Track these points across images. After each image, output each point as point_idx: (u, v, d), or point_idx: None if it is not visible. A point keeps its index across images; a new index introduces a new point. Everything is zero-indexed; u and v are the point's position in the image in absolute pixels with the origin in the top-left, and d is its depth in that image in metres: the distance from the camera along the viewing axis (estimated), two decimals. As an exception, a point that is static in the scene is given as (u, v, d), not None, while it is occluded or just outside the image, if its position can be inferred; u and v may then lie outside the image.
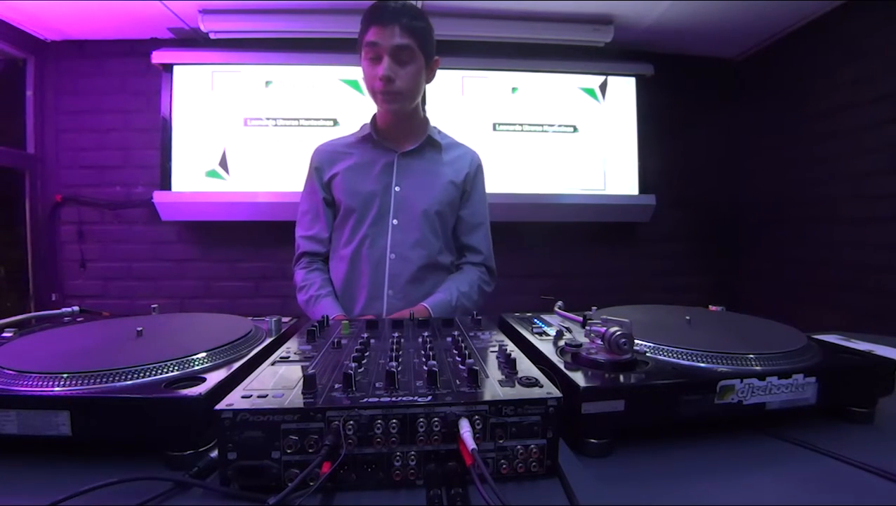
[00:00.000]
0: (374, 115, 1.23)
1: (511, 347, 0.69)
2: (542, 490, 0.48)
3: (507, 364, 0.59)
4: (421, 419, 0.48)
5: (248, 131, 2.50)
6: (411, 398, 0.49)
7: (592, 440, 0.56)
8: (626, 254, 2.82)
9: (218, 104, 2.48)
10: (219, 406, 0.47)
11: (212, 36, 2.36)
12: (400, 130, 1.21)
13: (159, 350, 0.64)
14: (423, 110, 1.27)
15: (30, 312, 0.92)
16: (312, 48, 2.46)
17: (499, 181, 2.51)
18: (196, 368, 0.61)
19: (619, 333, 0.61)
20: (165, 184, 2.44)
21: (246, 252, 2.60)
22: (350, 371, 0.52)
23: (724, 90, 2.84)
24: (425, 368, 0.54)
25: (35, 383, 0.54)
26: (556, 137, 2.63)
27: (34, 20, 2.31)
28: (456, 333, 0.75)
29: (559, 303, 0.99)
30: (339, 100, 2.51)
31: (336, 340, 0.71)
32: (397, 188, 1.19)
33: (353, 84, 2.49)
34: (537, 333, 0.80)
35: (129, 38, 2.50)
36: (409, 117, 1.20)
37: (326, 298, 1.17)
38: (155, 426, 0.52)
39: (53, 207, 2.52)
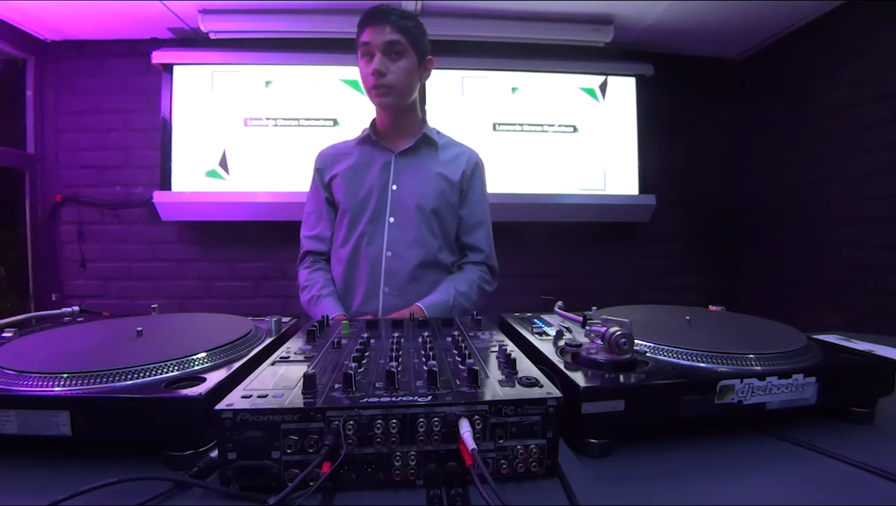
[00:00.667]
0: (374, 117, 1.26)
1: (511, 347, 0.69)
2: (542, 490, 0.48)
3: (507, 364, 0.59)
4: (421, 419, 0.48)
5: (248, 131, 2.50)
6: (411, 398, 0.49)
7: (592, 440, 0.56)
8: (626, 254, 2.82)
9: (218, 104, 2.48)
10: (219, 406, 0.47)
11: (212, 36, 2.36)
12: (397, 130, 1.23)
13: (159, 350, 0.64)
14: (423, 111, 1.29)
15: (30, 312, 0.92)
16: (312, 48, 2.46)
17: (499, 181, 2.51)
18: (196, 368, 0.61)
19: (619, 333, 0.61)
20: (165, 184, 2.44)
21: (246, 252, 2.60)
22: (350, 371, 0.52)
23: (724, 90, 2.84)
24: (425, 368, 0.54)
25: (35, 382, 0.54)
26: (556, 137, 2.63)
27: (34, 20, 2.31)
28: (456, 333, 0.75)
29: (559, 303, 0.99)
30: (339, 100, 2.51)
31: (336, 340, 0.71)
32: (394, 187, 1.21)
33: (353, 84, 2.49)
34: (537, 333, 0.80)
35: (129, 38, 2.50)
36: (405, 116, 1.22)
37: (328, 298, 1.17)
38: (155, 426, 0.52)
39: (53, 207, 2.52)
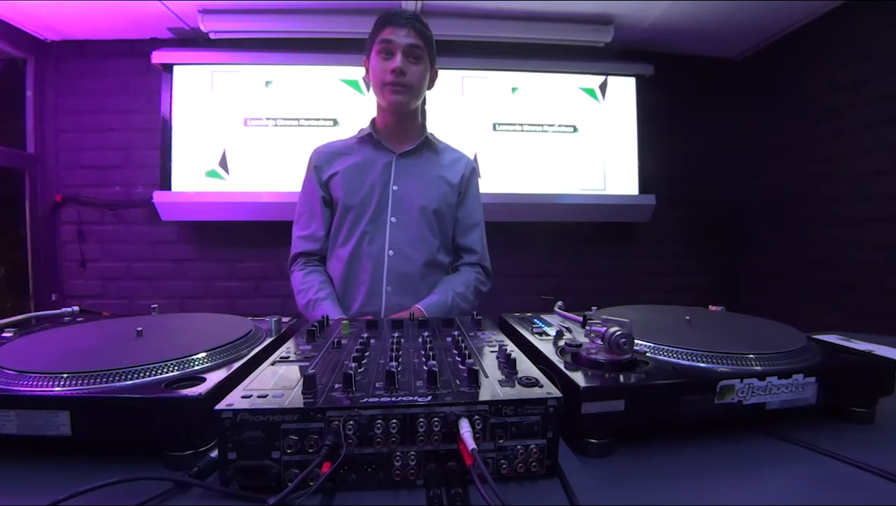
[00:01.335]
0: (374, 117, 1.27)
1: (511, 347, 0.69)
2: (542, 490, 0.48)
3: (507, 364, 0.59)
4: (421, 419, 0.48)
5: (248, 131, 2.50)
6: (411, 398, 0.49)
7: (592, 440, 0.56)
8: (626, 254, 2.82)
9: (218, 104, 2.48)
10: (219, 406, 0.47)
11: (212, 36, 2.36)
12: (399, 131, 1.24)
13: (159, 350, 0.64)
14: (422, 117, 1.31)
15: (30, 312, 0.92)
16: (312, 48, 2.46)
17: (499, 181, 2.50)
18: (196, 368, 0.61)
19: (619, 333, 0.61)
20: (165, 184, 2.44)
21: (246, 252, 2.60)
22: (350, 371, 0.52)
23: (724, 90, 2.84)
24: (425, 368, 0.54)
25: (35, 382, 0.54)
26: (556, 137, 2.63)
27: (34, 20, 2.31)
28: (456, 333, 0.75)
29: (559, 303, 0.99)
30: (339, 100, 2.51)
31: (336, 340, 0.71)
32: (395, 187, 1.22)
33: (353, 84, 2.49)
34: (537, 333, 0.80)
35: (129, 38, 2.50)
36: (410, 118, 1.24)
37: (325, 300, 1.17)
38: (155, 426, 0.52)
39: (53, 207, 2.52)
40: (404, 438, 0.48)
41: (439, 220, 1.23)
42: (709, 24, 2.39)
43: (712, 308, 0.95)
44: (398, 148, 1.24)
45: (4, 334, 0.79)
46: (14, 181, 2.46)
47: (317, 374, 0.52)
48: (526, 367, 0.60)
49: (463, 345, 0.66)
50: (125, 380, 0.56)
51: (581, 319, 0.84)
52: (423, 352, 0.65)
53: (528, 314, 0.97)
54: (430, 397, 0.49)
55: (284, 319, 0.89)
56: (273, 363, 0.62)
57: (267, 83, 2.51)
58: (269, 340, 0.77)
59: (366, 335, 0.72)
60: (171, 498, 0.46)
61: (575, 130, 2.65)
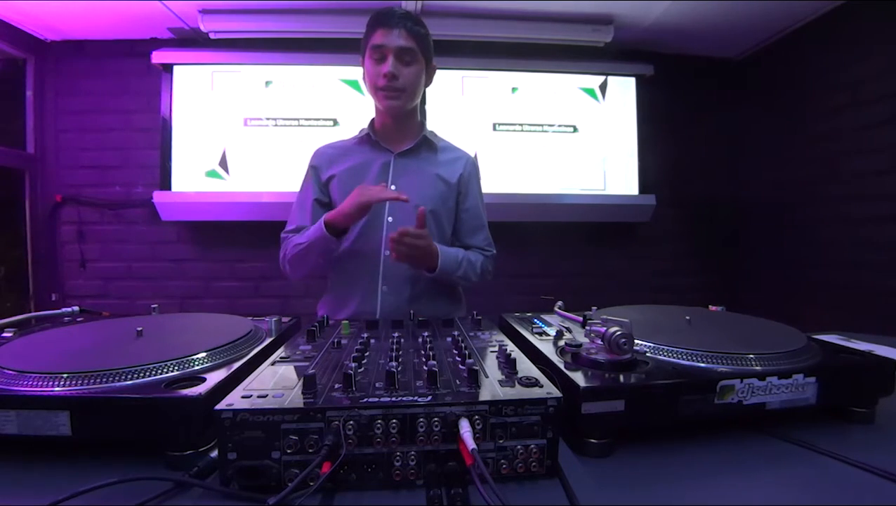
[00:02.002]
0: (373, 118, 1.26)
1: (511, 347, 0.69)
2: (542, 490, 0.48)
3: (507, 364, 0.59)
4: (421, 419, 0.48)
5: (248, 131, 2.50)
6: (411, 398, 0.49)
7: (592, 440, 0.56)
8: (626, 254, 2.82)
9: (218, 104, 2.48)
10: (219, 406, 0.47)
11: (212, 36, 2.36)
12: (397, 131, 1.24)
13: (159, 350, 0.64)
14: (422, 115, 1.29)
15: (30, 312, 0.92)
16: (312, 48, 2.45)
17: (499, 181, 2.50)
18: (196, 368, 0.61)
19: (619, 333, 0.61)
20: (165, 184, 2.44)
21: (246, 252, 2.59)
22: (350, 371, 0.52)
23: (724, 90, 2.84)
24: (425, 368, 0.54)
25: (35, 382, 0.54)
26: (556, 137, 2.63)
27: (34, 20, 2.31)
28: (456, 333, 0.75)
29: (559, 303, 0.99)
30: (339, 100, 2.51)
31: (336, 341, 0.71)
32: (393, 187, 1.21)
33: (353, 84, 2.49)
34: (537, 333, 0.80)
35: (129, 38, 2.50)
36: (407, 118, 1.23)
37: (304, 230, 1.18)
38: (155, 426, 0.52)
39: (53, 207, 2.52)
40: (404, 438, 0.48)
41: (436, 219, 1.22)
42: (709, 24, 2.39)
43: (712, 308, 0.95)
44: (396, 147, 1.24)
45: (4, 334, 0.79)
46: (14, 181, 2.46)
47: (317, 374, 0.52)
48: (526, 367, 0.60)
49: (463, 345, 0.66)
50: (125, 380, 0.56)
51: (581, 319, 0.84)
52: (423, 352, 0.65)
53: (528, 314, 0.97)
54: (430, 397, 0.49)
55: (284, 319, 0.89)
56: (273, 363, 0.62)
57: (267, 83, 2.51)
58: (269, 340, 0.77)
59: (366, 335, 0.72)
60: (171, 498, 0.46)
61: (575, 130, 2.65)
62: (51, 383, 0.54)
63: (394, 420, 0.47)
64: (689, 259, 2.87)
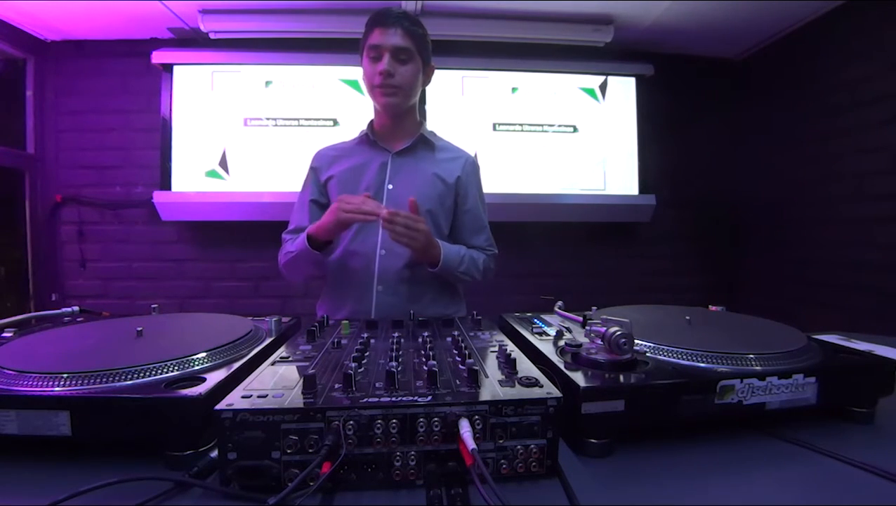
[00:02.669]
0: (372, 119, 1.27)
1: (511, 347, 0.69)
2: (542, 490, 0.48)
3: (507, 364, 0.59)
4: (421, 419, 0.48)
5: (248, 131, 2.50)
6: (411, 398, 0.49)
7: (592, 440, 0.56)
8: (626, 254, 2.82)
9: (218, 104, 2.48)
10: (219, 406, 0.47)
11: (212, 36, 2.36)
12: (395, 130, 1.25)
13: (159, 350, 0.64)
14: (420, 115, 1.30)
15: (30, 312, 0.92)
16: (312, 48, 2.45)
17: (499, 181, 2.50)
18: (196, 368, 0.61)
19: (619, 333, 0.61)
20: (165, 184, 2.43)
21: (246, 252, 2.59)
22: (350, 371, 0.52)
23: (724, 90, 2.84)
24: (425, 368, 0.54)
25: (35, 382, 0.54)
26: (556, 137, 2.63)
27: (34, 20, 2.31)
28: (456, 333, 0.75)
29: (559, 303, 0.99)
30: (339, 100, 2.51)
31: (336, 341, 0.71)
32: (390, 186, 1.22)
33: (353, 84, 2.49)
34: (537, 333, 0.80)
35: (128, 38, 2.50)
36: (405, 117, 1.23)
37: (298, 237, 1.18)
38: (155, 426, 0.52)
39: (53, 207, 2.52)
40: (404, 438, 0.48)
41: (433, 219, 1.22)
42: (709, 24, 2.39)
43: (712, 308, 0.95)
44: (394, 147, 1.24)
45: (4, 334, 0.79)
46: (14, 181, 2.46)
47: (317, 374, 0.52)
48: (526, 367, 0.60)
49: (463, 345, 0.66)
50: (125, 380, 0.56)
51: (581, 319, 0.84)
52: (423, 352, 0.65)
53: (528, 314, 0.97)
54: (430, 397, 0.49)
55: (284, 319, 0.89)
56: (273, 363, 0.62)
57: (267, 83, 2.51)
58: (269, 340, 0.77)
59: (366, 335, 0.72)
60: (171, 498, 0.46)
61: (575, 130, 2.65)
62: (51, 383, 0.54)
63: (394, 420, 0.47)
64: (689, 259, 2.87)
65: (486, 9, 2.31)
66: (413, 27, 1.14)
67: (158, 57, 2.41)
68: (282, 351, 0.67)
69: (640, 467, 0.54)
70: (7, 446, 0.53)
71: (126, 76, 2.53)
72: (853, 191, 2.13)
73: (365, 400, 0.49)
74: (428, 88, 2.53)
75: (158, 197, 2.41)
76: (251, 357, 0.67)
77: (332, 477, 0.46)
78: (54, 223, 2.54)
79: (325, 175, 1.25)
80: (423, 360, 0.61)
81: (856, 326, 1.16)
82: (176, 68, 2.45)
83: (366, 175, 1.23)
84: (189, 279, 2.60)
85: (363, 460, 0.48)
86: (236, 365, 0.63)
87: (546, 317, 0.95)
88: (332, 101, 2.51)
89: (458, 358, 0.62)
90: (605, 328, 0.62)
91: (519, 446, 0.49)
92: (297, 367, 0.60)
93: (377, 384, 0.53)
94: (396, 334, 0.73)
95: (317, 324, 0.80)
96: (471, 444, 0.45)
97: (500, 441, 0.49)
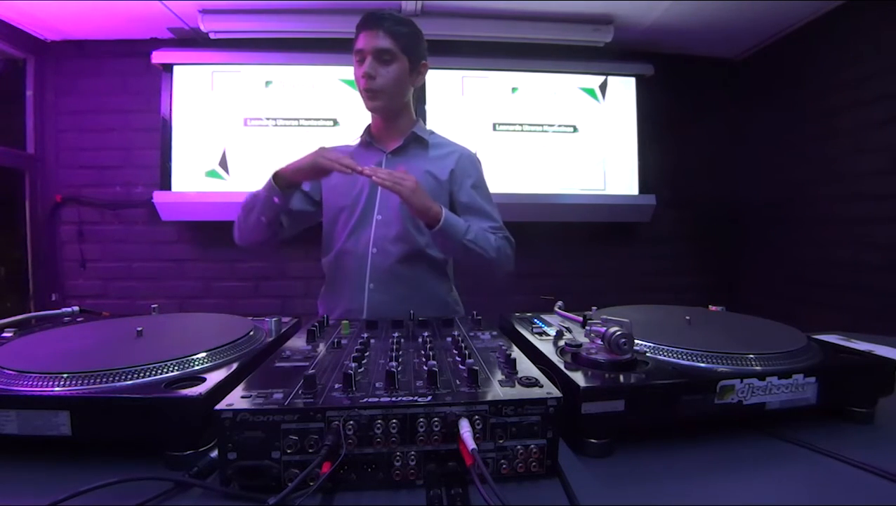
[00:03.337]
0: (371, 121, 1.28)
1: (511, 347, 0.69)
2: (542, 490, 0.48)
3: (507, 364, 0.59)
4: (421, 419, 0.48)
5: (248, 131, 2.50)
6: (411, 398, 0.49)
7: (592, 440, 0.56)
8: (626, 254, 2.82)
9: (218, 104, 2.48)
10: (219, 406, 0.47)
11: (212, 36, 2.36)
12: (388, 130, 1.26)
13: (159, 350, 0.64)
14: (417, 112, 1.31)
15: (30, 312, 0.92)
16: (312, 48, 2.45)
17: (499, 181, 2.50)
18: (196, 368, 0.61)
19: (619, 333, 0.61)
20: (165, 184, 2.43)
21: (246, 252, 2.58)
22: (350, 371, 0.52)
23: (724, 90, 2.84)
24: (425, 368, 0.54)
25: (35, 382, 0.54)
26: (556, 137, 2.63)
27: (34, 20, 2.31)
28: (456, 333, 0.75)
29: (559, 303, 0.99)
30: (339, 100, 2.51)
31: (336, 340, 0.71)
32: None
33: (353, 84, 2.46)
34: (537, 333, 0.80)
35: (129, 38, 2.50)
36: (397, 118, 1.24)
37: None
38: (155, 426, 0.52)
39: (53, 207, 2.52)
40: (404, 438, 0.48)
41: None
42: (709, 24, 2.39)
43: (712, 308, 0.95)
44: (389, 146, 1.26)
45: (4, 334, 0.79)
46: (14, 181, 2.46)
47: (317, 374, 0.52)
48: (526, 367, 0.60)
49: (463, 345, 0.66)
50: (125, 380, 0.56)
51: (581, 319, 0.84)
52: (423, 352, 0.65)
53: (528, 314, 0.97)
54: (430, 397, 0.49)
55: (284, 319, 0.89)
56: (273, 363, 0.62)
57: (267, 83, 2.51)
58: (269, 340, 0.77)
59: (366, 335, 0.72)
60: (171, 498, 0.46)
61: (575, 130, 2.65)
62: (51, 383, 0.54)
63: (394, 420, 0.47)
64: (689, 259, 2.87)
65: (486, 9, 2.31)
66: (396, 27, 1.13)
67: (158, 57, 2.41)
68: (282, 351, 0.67)
69: (640, 467, 0.54)
70: (7, 446, 0.53)
71: (126, 76, 2.53)
72: (853, 191, 2.13)
73: (365, 400, 0.49)
74: (428, 88, 2.53)
75: (158, 197, 2.40)
76: (251, 357, 0.67)
77: (332, 477, 0.46)
78: (54, 223, 2.54)
79: None
80: (423, 360, 0.61)
81: (856, 326, 1.16)
82: (176, 68, 2.45)
83: (362, 176, 1.22)
84: (189, 279, 2.60)
85: (363, 460, 0.48)
86: (236, 365, 0.63)
87: (546, 317, 0.95)
88: (332, 101, 2.51)
89: (458, 358, 0.62)
90: (605, 328, 0.62)
91: (519, 446, 0.49)
92: (297, 367, 0.60)
93: (377, 384, 0.53)
94: (396, 334, 0.73)
95: (317, 324, 0.80)
96: (471, 444, 0.45)
97: (500, 441, 0.49)
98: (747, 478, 0.52)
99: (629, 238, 2.81)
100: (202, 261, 2.60)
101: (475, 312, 0.88)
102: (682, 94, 2.79)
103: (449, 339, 0.73)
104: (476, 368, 0.54)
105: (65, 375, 0.55)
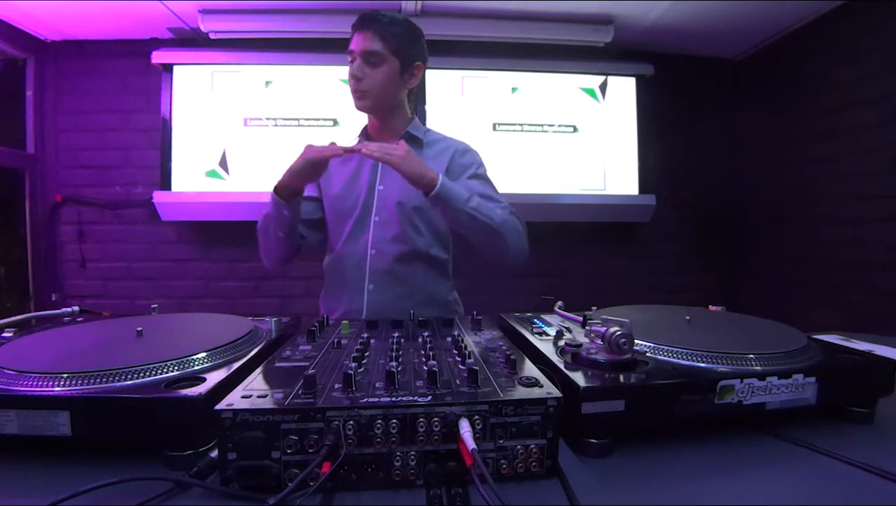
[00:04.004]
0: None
1: (511, 347, 0.69)
2: (542, 490, 0.48)
3: (507, 364, 0.59)
4: (421, 419, 0.48)
5: (248, 131, 2.50)
6: (411, 398, 0.49)
7: (592, 440, 0.56)
8: (626, 254, 2.82)
9: (218, 104, 2.48)
10: (219, 406, 0.47)
11: (212, 36, 2.36)
12: (383, 131, 1.25)
13: (159, 350, 0.64)
14: (414, 112, 1.29)
15: (30, 312, 0.92)
16: (312, 48, 2.45)
17: (499, 181, 2.47)
18: (196, 368, 0.61)
19: (619, 333, 0.61)
20: (165, 184, 2.43)
21: (246, 252, 2.59)
22: (350, 371, 0.52)
23: (723, 90, 2.84)
24: (425, 368, 0.54)
25: (35, 382, 0.54)
26: (556, 137, 2.63)
27: (34, 20, 2.30)
28: (456, 333, 0.75)
29: (559, 303, 0.99)
30: (339, 100, 2.51)
31: (336, 341, 0.71)
32: (380, 186, 1.22)
33: (353, 84, 2.49)
34: (537, 333, 0.80)
35: (129, 38, 2.50)
36: (390, 119, 1.23)
37: None
38: (155, 426, 0.52)
39: (53, 207, 2.52)
40: (404, 438, 0.48)
41: (422, 215, 1.21)
42: (709, 24, 2.39)
43: (712, 308, 0.95)
44: None
45: (4, 334, 0.79)
46: (14, 181, 2.46)
47: (317, 374, 0.52)
48: (526, 367, 0.60)
49: (463, 345, 0.66)
50: (125, 380, 0.56)
51: (581, 319, 0.84)
52: (423, 352, 0.65)
53: (528, 314, 0.97)
54: (430, 397, 0.49)
55: (284, 319, 0.89)
56: (273, 363, 0.62)
57: (267, 83, 2.50)
58: (269, 340, 0.77)
59: (366, 335, 0.72)
60: (171, 498, 0.46)
61: (575, 130, 2.65)
62: (51, 383, 0.54)
63: (394, 420, 0.47)
64: (689, 259, 2.87)
65: (486, 9, 2.31)
66: (388, 28, 1.12)
67: (158, 57, 2.41)
68: (282, 351, 0.67)
69: (640, 467, 0.54)
70: (7, 446, 0.53)
71: (126, 76, 2.53)
72: (853, 191, 2.13)
73: (365, 400, 0.49)
74: (428, 88, 2.53)
75: (158, 197, 2.40)
76: (251, 357, 0.67)
77: (332, 477, 0.46)
78: (54, 223, 2.54)
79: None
80: (423, 360, 0.61)
81: (856, 326, 1.16)
82: (176, 68, 2.45)
83: (360, 178, 1.23)
84: (189, 279, 2.60)
85: (363, 460, 0.48)
86: (236, 365, 0.63)
87: (546, 317, 0.95)
88: (332, 101, 2.51)
89: (458, 358, 0.62)
90: (605, 328, 0.62)
91: (519, 446, 0.49)
92: (297, 367, 0.60)
93: (377, 384, 0.53)
94: (396, 334, 0.73)
95: (317, 324, 0.80)
96: (471, 444, 0.45)
97: (500, 441, 0.49)
98: (747, 478, 0.52)
99: (629, 238, 2.81)
100: (202, 261, 2.60)
101: (475, 312, 0.88)
102: (682, 94, 2.79)
103: (449, 339, 0.73)
104: (476, 368, 0.54)
105: (65, 376, 0.55)
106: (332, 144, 1.06)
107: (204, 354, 0.63)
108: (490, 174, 1.33)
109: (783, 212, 2.55)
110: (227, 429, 0.46)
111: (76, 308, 1.00)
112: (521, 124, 2.61)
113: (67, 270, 2.56)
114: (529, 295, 2.65)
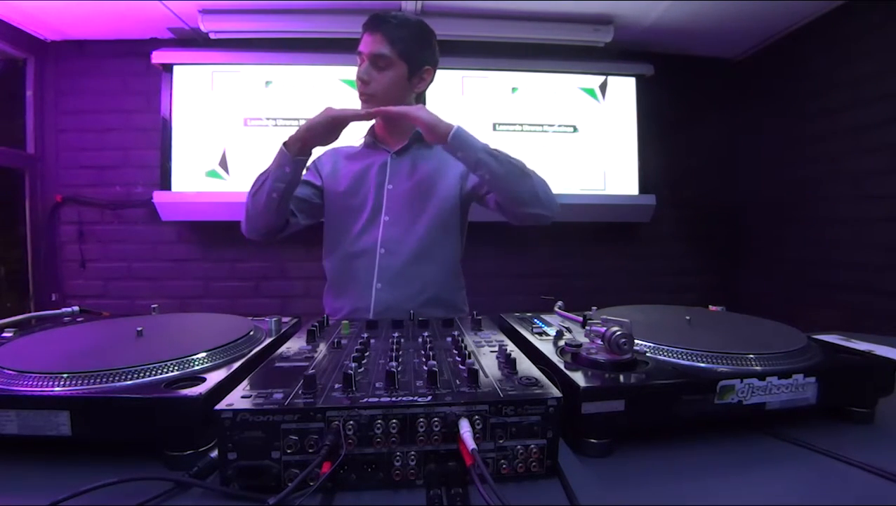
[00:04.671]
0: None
1: (511, 347, 0.69)
2: (542, 490, 0.48)
3: (507, 364, 0.59)
4: (421, 419, 0.48)
5: (248, 131, 2.50)
6: (411, 398, 0.49)
7: (592, 440, 0.56)
8: (626, 254, 2.82)
9: (218, 104, 2.48)
10: (219, 406, 0.47)
11: (212, 36, 2.36)
12: (391, 131, 1.26)
13: (159, 350, 0.64)
14: None
15: (30, 312, 0.92)
16: (312, 48, 2.45)
17: (499, 181, 2.50)
18: (196, 368, 0.61)
19: (619, 333, 0.61)
20: (165, 184, 2.43)
21: (246, 252, 2.59)
22: (350, 371, 0.52)
23: (724, 90, 2.84)
24: (425, 368, 0.54)
25: (35, 382, 0.54)
26: (556, 137, 2.63)
27: (34, 20, 2.30)
28: (456, 333, 0.75)
29: (559, 303, 0.99)
30: (339, 100, 2.50)
31: (336, 341, 0.71)
32: (390, 186, 1.22)
33: (353, 84, 2.48)
34: (537, 333, 0.80)
35: (129, 38, 2.50)
36: (397, 119, 1.22)
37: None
38: (155, 426, 0.52)
39: (53, 207, 2.52)
40: (404, 438, 0.48)
41: (433, 213, 1.21)
42: (709, 24, 2.39)
43: (712, 308, 0.95)
44: (393, 147, 1.26)
45: (4, 334, 0.79)
46: (14, 181, 2.46)
47: (317, 374, 0.52)
48: (526, 367, 0.60)
49: (463, 345, 0.66)
50: (125, 380, 0.56)
51: (581, 319, 0.84)
52: (423, 352, 0.65)
53: (528, 314, 0.97)
54: (430, 397, 0.49)
55: (284, 319, 0.89)
56: (273, 363, 0.62)
57: (267, 83, 2.50)
58: (269, 340, 0.77)
59: (366, 335, 0.72)
60: (171, 498, 0.46)
61: (575, 130, 2.65)
62: (51, 383, 0.54)
63: (394, 420, 0.47)
64: (689, 259, 2.87)
65: (486, 9, 2.31)
66: (397, 31, 1.11)
67: (158, 57, 2.41)
68: (282, 351, 0.67)
69: (640, 467, 0.54)
70: (7, 446, 0.53)
71: (126, 76, 2.53)
72: (853, 191, 2.13)
73: (365, 400, 0.49)
74: (428, 88, 2.53)
75: (158, 197, 2.40)
76: (251, 357, 0.67)
77: (332, 477, 0.46)
78: (54, 223, 2.54)
79: (326, 169, 1.27)
80: (423, 360, 0.61)
81: (856, 326, 1.16)
82: (176, 68, 2.45)
83: (368, 177, 1.24)
84: (189, 279, 2.60)
85: (363, 460, 0.48)
86: (236, 365, 0.63)
87: (546, 317, 0.95)
88: (332, 102, 2.49)
89: (458, 358, 0.62)
90: (605, 328, 0.62)
91: (519, 446, 0.49)
92: (297, 367, 0.60)
93: (377, 384, 0.53)
94: (396, 334, 0.73)
95: (317, 324, 0.80)
96: (471, 444, 0.45)
97: (500, 441, 0.49)
98: (747, 478, 0.52)
99: (629, 238, 2.81)
100: (202, 261, 2.60)
101: (475, 312, 0.88)
102: (682, 94, 2.79)
103: (449, 339, 0.73)
104: (476, 368, 0.54)
105: (65, 376, 0.55)
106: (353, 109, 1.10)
107: (204, 355, 0.63)
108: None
109: (783, 212, 2.55)
110: (227, 429, 0.46)
111: (76, 308, 1.00)
112: (521, 124, 2.61)
113: (67, 270, 2.56)
114: (529, 295, 2.65)
